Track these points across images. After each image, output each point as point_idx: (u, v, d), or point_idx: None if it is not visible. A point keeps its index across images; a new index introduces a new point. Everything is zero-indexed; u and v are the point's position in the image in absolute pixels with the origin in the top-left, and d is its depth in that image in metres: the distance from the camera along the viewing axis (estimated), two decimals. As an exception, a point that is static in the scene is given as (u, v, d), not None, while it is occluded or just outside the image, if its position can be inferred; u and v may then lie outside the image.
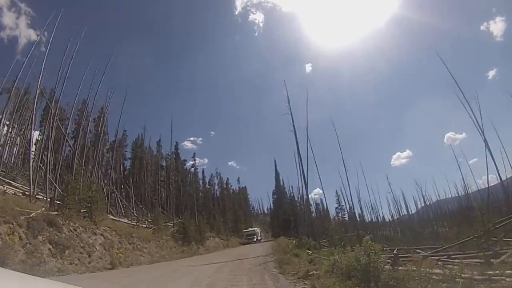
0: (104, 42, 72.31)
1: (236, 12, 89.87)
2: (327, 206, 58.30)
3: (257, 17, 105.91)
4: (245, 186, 79.30)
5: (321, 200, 63.99)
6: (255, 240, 49.02)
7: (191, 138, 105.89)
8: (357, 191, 52.48)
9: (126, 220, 30.05)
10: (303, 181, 29.62)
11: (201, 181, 61.95)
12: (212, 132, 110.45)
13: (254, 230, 52.78)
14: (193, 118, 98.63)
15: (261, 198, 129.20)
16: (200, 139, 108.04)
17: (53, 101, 30.15)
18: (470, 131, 57.47)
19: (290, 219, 54.15)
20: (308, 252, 17.36)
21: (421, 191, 54.80)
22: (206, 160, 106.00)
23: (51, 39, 27.31)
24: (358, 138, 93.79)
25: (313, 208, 62.85)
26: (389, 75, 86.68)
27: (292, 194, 61.72)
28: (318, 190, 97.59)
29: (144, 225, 30.96)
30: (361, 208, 58.55)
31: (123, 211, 38.73)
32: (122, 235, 21.15)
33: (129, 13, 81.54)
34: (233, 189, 72.69)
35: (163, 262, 20.71)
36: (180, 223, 34.00)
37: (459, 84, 26.13)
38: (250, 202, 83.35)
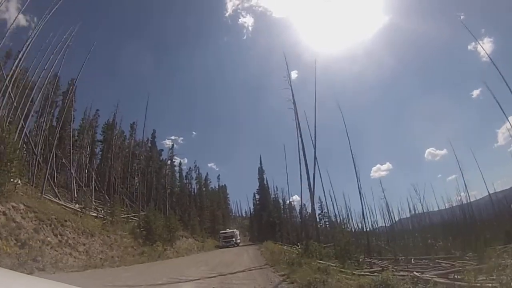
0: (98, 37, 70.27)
1: (227, 14, 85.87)
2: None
3: (247, 21, 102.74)
4: (224, 185, 72.28)
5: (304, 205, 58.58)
6: (233, 243, 42.14)
7: (172, 137, 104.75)
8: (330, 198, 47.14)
9: (66, 203, 22.23)
10: (310, 186, 23.31)
11: (178, 175, 54.37)
12: (194, 132, 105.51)
13: (232, 231, 45.43)
14: (176, 116, 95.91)
15: (240, 200, 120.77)
16: (182, 138, 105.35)
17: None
18: (450, 147, 57.46)
19: (276, 221, 47.44)
20: (339, 268, 10.80)
21: (413, 199, 52.64)
22: (186, 160, 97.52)
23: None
24: (340, 148, 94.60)
25: (296, 213, 57.34)
26: (374, 88, 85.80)
27: (276, 196, 55.27)
28: (296, 197, 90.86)
29: (95, 214, 23.28)
30: (349, 216, 52.99)
31: (75, 195, 30.72)
32: (45, 221, 13.72)
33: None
34: (212, 187, 65.35)
35: (97, 269, 13.18)
36: (144, 217, 26.50)
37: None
38: (229, 203, 75.93)
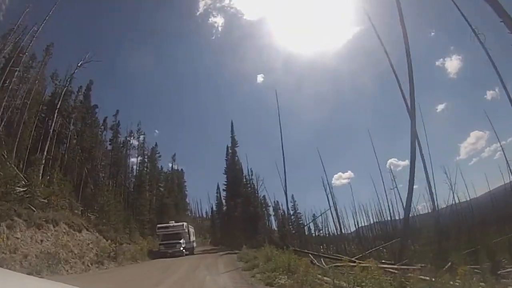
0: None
1: (197, 13, 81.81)
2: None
3: (217, 21, 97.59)
4: (182, 169, 54.27)
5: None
6: (180, 249, 24.11)
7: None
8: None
9: None
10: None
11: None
12: (156, 130, 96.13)
13: (181, 226, 26.20)
14: (138, 114, 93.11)
15: (201, 199, 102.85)
16: (143, 136, 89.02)
17: None
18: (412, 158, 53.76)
19: (257, 215, 30.56)
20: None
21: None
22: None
23: None
24: (301, 154, 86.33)
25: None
26: (341, 96, 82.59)
27: (251, 182, 38.87)
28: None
29: None
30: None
31: None
32: None
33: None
34: (162, 167, 46.74)
35: None
36: None
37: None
38: (187, 194, 57.75)
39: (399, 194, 34.90)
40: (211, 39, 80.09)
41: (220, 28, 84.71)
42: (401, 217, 31.83)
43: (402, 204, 31.32)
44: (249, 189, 35.68)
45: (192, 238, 28.37)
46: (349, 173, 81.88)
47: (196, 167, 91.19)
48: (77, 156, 30.22)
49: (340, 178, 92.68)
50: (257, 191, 37.70)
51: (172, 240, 23.97)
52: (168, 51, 79.86)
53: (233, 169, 37.34)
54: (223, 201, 51.25)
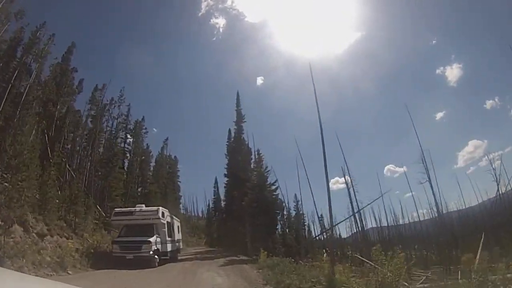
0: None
1: (200, 14, 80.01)
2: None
3: (219, 22, 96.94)
4: (175, 156, 45.58)
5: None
6: (151, 252, 13.82)
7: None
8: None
9: None
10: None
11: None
12: (154, 129, 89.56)
13: (154, 212, 15.80)
14: (137, 112, 74.88)
15: (197, 197, 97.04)
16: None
17: None
18: (409, 165, 56.36)
19: (270, 203, 20.66)
20: None
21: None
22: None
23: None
24: (298, 155, 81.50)
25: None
26: (339, 103, 79.19)
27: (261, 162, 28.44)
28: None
29: None
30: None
31: None
32: None
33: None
34: (148, 146, 37.69)
35: None
36: None
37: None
38: (180, 187, 49.10)
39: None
40: (212, 40, 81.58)
41: (221, 30, 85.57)
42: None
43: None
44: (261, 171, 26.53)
45: (177, 235, 19.17)
46: (347, 178, 79.78)
47: (196, 167, 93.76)
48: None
49: (337, 183, 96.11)
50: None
51: (136, 236, 13.96)
52: (169, 51, 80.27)
53: (237, 150, 28.37)
54: (222, 198, 43.96)
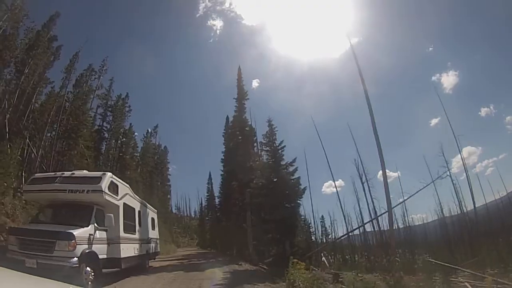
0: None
1: (197, 15, 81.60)
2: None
3: (216, 24, 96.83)
4: (165, 147, 40.48)
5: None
6: (72, 260, 6.85)
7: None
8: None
9: None
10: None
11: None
12: (148, 129, 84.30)
13: (93, 181, 8.63)
14: (133, 112, 72.86)
15: (189, 197, 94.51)
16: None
17: None
18: (403, 170, 58.70)
19: (285, 193, 15.26)
20: None
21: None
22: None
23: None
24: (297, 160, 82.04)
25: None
26: (332, 106, 78.14)
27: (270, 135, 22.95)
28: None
29: None
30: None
31: None
32: None
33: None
34: (132, 125, 32.31)
35: None
36: None
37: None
38: (170, 179, 43.98)
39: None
40: (209, 42, 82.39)
41: (218, 32, 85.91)
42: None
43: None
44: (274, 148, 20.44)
45: (150, 233, 13.25)
46: (339, 182, 79.76)
47: (190, 169, 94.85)
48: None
49: (331, 186, 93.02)
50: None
51: (56, 224, 7.61)
52: (165, 50, 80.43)
53: (238, 130, 23.27)
54: (216, 195, 39.20)
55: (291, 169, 13.38)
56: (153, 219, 14.26)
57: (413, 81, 68.35)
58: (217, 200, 39.94)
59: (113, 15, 70.89)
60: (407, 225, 33.48)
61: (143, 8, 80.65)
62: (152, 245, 13.38)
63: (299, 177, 13.37)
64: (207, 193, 48.57)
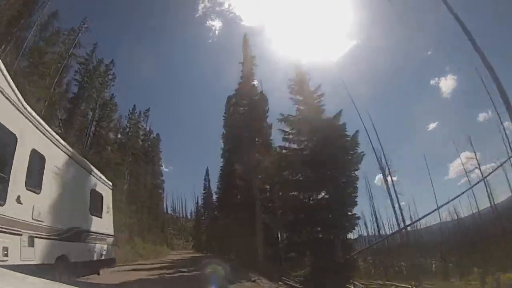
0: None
1: (196, 16, 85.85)
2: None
3: (215, 24, 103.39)
4: (158, 134, 35.55)
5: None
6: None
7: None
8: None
9: None
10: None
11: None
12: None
13: None
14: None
15: (185, 198, 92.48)
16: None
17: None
18: (400, 175, 56.03)
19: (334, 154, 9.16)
20: None
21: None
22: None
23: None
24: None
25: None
26: (332, 109, 67.81)
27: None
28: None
29: None
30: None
31: None
32: None
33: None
34: (114, 96, 27.23)
35: None
36: None
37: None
38: (162, 171, 39.27)
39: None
40: (208, 42, 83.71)
41: (217, 32, 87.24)
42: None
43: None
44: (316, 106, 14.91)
45: (84, 219, 6.68)
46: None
47: (188, 172, 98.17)
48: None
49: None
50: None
51: None
52: (164, 49, 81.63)
53: (247, 103, 18.24)
54: (214, 192, 34.76)
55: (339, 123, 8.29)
56: (102, 198, 8.06)
57: (411, 84, 68.83)
58: (214, 197, 35.64)
59: (113, 15, 70.96)
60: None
61: (143, 8, 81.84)
62: (93, 245, 7.14)
63: (357, 132, 8.21)
64: (204, 190, 43.96)
